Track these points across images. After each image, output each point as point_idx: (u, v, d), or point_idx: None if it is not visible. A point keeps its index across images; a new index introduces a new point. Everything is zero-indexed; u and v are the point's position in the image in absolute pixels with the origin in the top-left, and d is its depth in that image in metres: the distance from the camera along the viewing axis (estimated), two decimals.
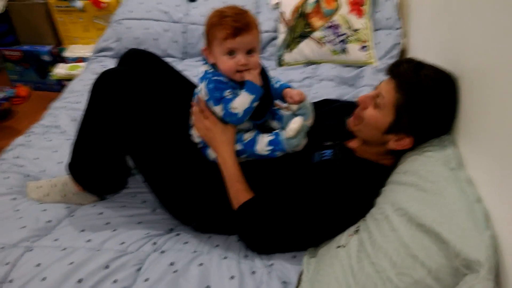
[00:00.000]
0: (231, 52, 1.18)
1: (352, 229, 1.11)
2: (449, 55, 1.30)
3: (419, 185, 1.01)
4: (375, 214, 1.06)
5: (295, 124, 1.20)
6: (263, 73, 1.28)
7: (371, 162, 1.22)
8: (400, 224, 0.96)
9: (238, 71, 1.20)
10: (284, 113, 1.34)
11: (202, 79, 1.25)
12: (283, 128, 1.33)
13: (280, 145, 1.24)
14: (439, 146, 1.13)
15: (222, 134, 1.25)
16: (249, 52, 1.19)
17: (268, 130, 1.34)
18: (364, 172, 1.18)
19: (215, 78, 1.22)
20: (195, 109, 1.30)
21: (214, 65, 1.24)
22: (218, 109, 1.23)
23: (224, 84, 1.22)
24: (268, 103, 1.28)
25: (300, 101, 1.27)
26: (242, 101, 1.19)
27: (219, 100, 1.22)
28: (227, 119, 1.23)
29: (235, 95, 1.21)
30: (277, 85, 1.33)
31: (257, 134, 1.28)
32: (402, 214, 0.97)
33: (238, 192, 1.23)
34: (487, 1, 1.03)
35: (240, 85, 1.22)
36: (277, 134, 1.26)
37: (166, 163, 1.28)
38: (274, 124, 1.35)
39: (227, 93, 1.21)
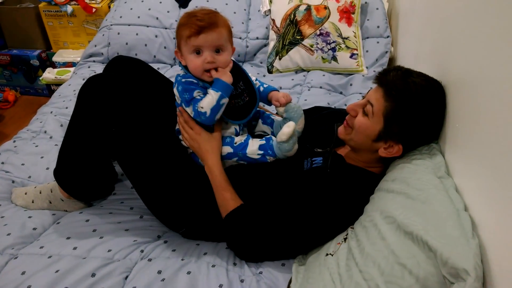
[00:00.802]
0: (198, 51, 1.19)
1: (340, 237, 1.11)
2: (437, 63, 1.32)
3: (407, 193, 1.01)
4: (364, 221, 1.06)
5: (288, 128, 1.20)
6: (239, 72, 1.29)
7: (361, 169, 1.22)
8: (388, 232, 0.96)
9: (206, 71, 1.21)
10: (276, 118, 1.34)
11: (174, 84, 1.26)
12: (273, 133, 1.33)
13: (271, 150, 1.24)
14: (427, 154, 1.14)
15: (207, 143, 1.25)
16: (217, 51, 1.20)
17: (261, 136, 1.34)
18: (353, 179, 1.19)
19: (184, 80, 1.23)
20: (179, 119, 1.30)
21: (186, 67, 1.24)
22: (189, 110, 1.23)
23: (194, 85, 1.22)
24: (252, 102, 1.28)
25: (286, 103, 1.27)
26: (208, 100, 1.18)
27: (189, 101, 1.22)
28: (198, 120, 1.22)
29: (205, 95, 1.21)
30: (262, 88, 1.34)
31: (248, 138, 1.28)
32: (391, 222, 0.97)
33: (225, 200, 1.22)
34: (476, 10, 1.04)
35: (211, 84, 1.21)
36: (268, 139, 1.26)
37: (155, 168, 1.27)
38: (266, 129, 1.36)
39: (196, 94, 1.21)
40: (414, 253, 0.89)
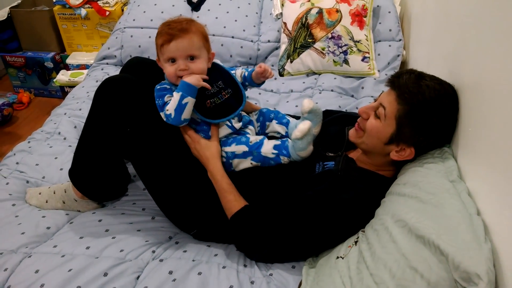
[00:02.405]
0: (172, 59, 1.23)
1: (351, 240, 1.11)
2: (450, 67, 1.31)
3: (419, 197, 1.01)
4: (375, 225, 1.06)
5: (304, 125, 1.20)
6: (221, 72, 1.31)
7: (372, 173, 1.22)
8: (400, 235, 0.95)
9: (180, 77, 1.23)
10: (292, 120, 1.35)
11: None
12: (287, 134, 1.34)
13: (285, 150, 1.24)
14: (439, 157, 1.14)
15: (206, 150, 1.27)
16: (191, 58, 1.23)
17: (275, 138, 1.36)
18: (365, 183, 1.18)
19: (159, 87, 1.26)
20: (181, 129, 1.32)
21: None
22: (162, 116, 1.24)
23: (167, 90, 1.25)
24: (237, 100, 1.30)
25: (310, 108, 1.28)
26: (172, 101, 1.21)
27: (162, 106, 1.24)
28: (168, 122, 1.23)
29: None
30: (247, 73, 1.37)
31: (264, 138, 1.29)
32: (402, 226, 0.97)
33: (229, 203, 1.23)
34: (488, 13, 1.04)
35: None
36: (284, 141, 1.27)
37: (168, 169, 1.28)
38: (280, 129, 1.36)
39: (167, 98, 1.24)
40: (425, 257, 0.88)
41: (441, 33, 1.52)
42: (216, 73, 1.30)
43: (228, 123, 1.29)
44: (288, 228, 1.16)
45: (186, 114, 1.21)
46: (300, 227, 1.15)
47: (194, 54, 1.23)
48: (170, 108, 1.20)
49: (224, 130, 1.30)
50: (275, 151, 1.25)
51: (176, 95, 1.20)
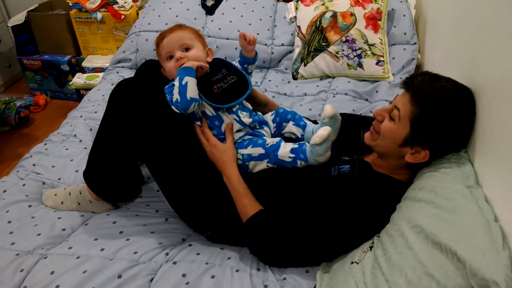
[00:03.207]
0: (170, 56, 1.31)
1: (366, 245, 1.10)
2: (466, 70, 1.30)
3: (435, 202, 0.99)
4: (390, 230, 1.05)
5: (324, 131, 1.19)
6: (223, 63, 1.37)
7: (388, 177, 1.21)
8: (416, 241, 0.94)
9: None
10: (309, 123, 1.34)
11: None
12: (303, 137, 1.34)
13: (303, 154, 1.24)
14: (455, 162, 1.12)
15: (223, 154, 1.28)
16: (186, 49, 1.31)
17: (290, 139, 1.36)
18: (380, 187, 1.17)
19: (166, 86, 1.30)
20: (198, 132, 1.33)
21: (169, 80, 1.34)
22: (174, 109, 1.27)
23: (173, 86, 1.27)
24: (242, 84, 1.33)
25: (333, 113, 1.28)
26: (174, 88, 1.24)
27: (171, 101, 1.27)
28: (177, 111, 1.26)
29: None
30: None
31: (281, 140, 1.29)
32: (418, 231, 0.95)
33: (245, 207, 1.23)
34: (505, 17, 1.02)
35: None
36: (301, 144, 1.27)
37: (182, 170, 1.29)
38: (296, 131, 1.35)
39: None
40: (442, 264, 0.87)
41: (457, 36, 1.50)
42: (219, 64, 1.36)
43: (236, 117, 1.30)
44: (303, 233, 1.15)
45: (190, 92, 1.23)
46: (315, 232, 1.14)
47: (187, 43, 1.31)
48: (175, 94, 1.24)
49: (234, 126, 1.31)
50: (292, 155, 1.24)
51: (176, 81, 1.24)
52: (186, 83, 1.22)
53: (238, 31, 2.30)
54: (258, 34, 2.31)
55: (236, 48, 2.27)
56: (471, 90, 1.16)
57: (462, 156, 1.14)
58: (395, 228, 1.03)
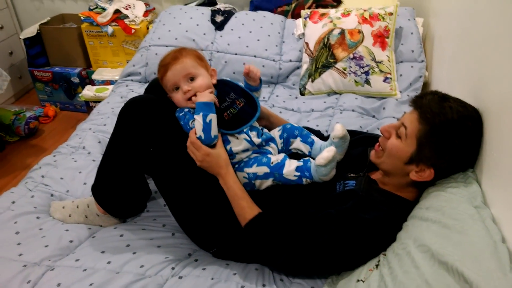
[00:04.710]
0: (176, 88, 1.30)
1: (372, 263, 1.10)
2: (473, 89, 1.30)
3: (442, 222, 0.99)
4: (397, 249, 1.05)
5: (329, 153, 1.19)
6: (230, 86, 1.35)
7: (394, 195, 1.21)
8: (422, 260, 0.94)
9: (189, 99, 1.28)
10: (317, 140, 1.35)
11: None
12: (311, 154, 1.33)
13: (308, 171, 1.24)
14: (463, 182, 1.12)
15: (218, 159, 1.27)
16: (192, 79, 1.29)
17: (297, 155, 1.35)
18: (387, 205, 1.17)
19: (180, 114, 1.31)
20: (188, 142, 1.31)
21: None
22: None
23: (188, 115, 1.29)
24: (251, 107, 1.33)
25: (344, 134, 1.28)
26: (196, 125, 1.24)
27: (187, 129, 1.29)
28: (204, 144, 1.26)
29: None
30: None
31: (285, 158, 1.28)
32: (425, 251, 0.95)
33: (243, 209, 1.24)
34: None
35: None
36: (306, 161, 1.26)
37: (189, 188, 1.30)
38: (303, 148, 1.36)
39: (191, 124, 1.28)
40: (448, 284, 0.87)
41: (465, 55, 1.51)
42: (225, 87, 1.35)
43: (246, 137, 1.30)
44: (304, 238, 1.15)
45: (214, 130, 1.24)
46: (318, 242, 1.13)
47: (191, 73, 1.29)
48: (198, 131, 1.24)
49: (243, 144, 1.30)
50: (298, 173, 1.24)
51: (198, 117, 1.23)
52: (210, 121, 1.23)
53: (247, 46, 2.33)
54: (266, 49, 2.34)
55: (244, 64, 2.29)
56: (479, 111, 1.16)
57: (469, 176, 1.14)
58: (402, 247, 1.03)
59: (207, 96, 1.25)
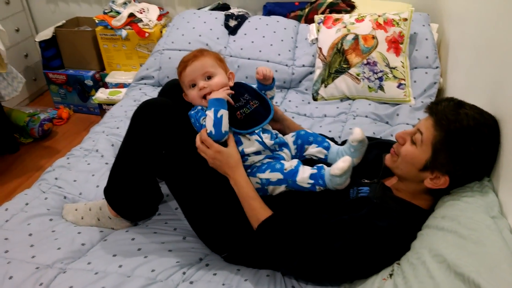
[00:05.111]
0: (193, 84, 1.32)
1: (386, 272, 1.08)
2: (490, 96, 1.28)
3: (458, 232, 0.97)
4: (411, 258, 1.03)
5: (344, 163, 1.18)
6: (245, 88, 1.36)
7: (409, 203, 1.19)
8: (438, 271, 0.93)
9: (204, 97, 1.30)
10: (333, 145, 1.34)
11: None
12: (326, 158, 1.33)
13: (321, 179, 1.23)
14: (479, 191, 1.10)
15: (229, 158, 1.26)
16: (209, 78, 1.31)
17: (311, 161, 1.34)
18: (401, 213, 1.16)
19: (192, 112, 1.33)
20: (197, 141, 1.30)
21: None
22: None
23: (200, 112, 1.29)
24: (264, 109, 1.34)
25: (363, 137, 1.28)
26: (208, 120, 1.24)
27: (200, 128, 1.29)
28: (213, 140, 1.26)
29: None
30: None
31: (299, 164, 1.27)
32: (440, 261, 0.94)
33: (255, 210, 1.23)
34: None
35: None
36: (320, 168, 1.25)
37: (202, 191, 1.30)
38: (319, 153, 1.35)
39: (202, 120, 1.28)
40: None
41: (481, 61, 1.49)
42: (241, 88, 1.36)
43: (258, 138, 1.30)
44: (317, 242, 1.14)
45: (225, 126, 1.25)
46: (332, 247, 1.12)
47: (209, 71, 1.31)
48: (209, 126, 1.24)
49: (255, 146, 1.30)
50: (311, 181, 1.23)
51: (210, 112, 1.23)
52: (221, 116, 1.23)
53: (260, 51, 2.33)
54: (279, 54, 2.34)
55: (257, 67, 2.28)
56: (496, 118, 1.15)
57: (486, 185, 1.12)
58: (416, 257, 1.01)
59: (219, 93, 1.27)
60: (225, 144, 1.27)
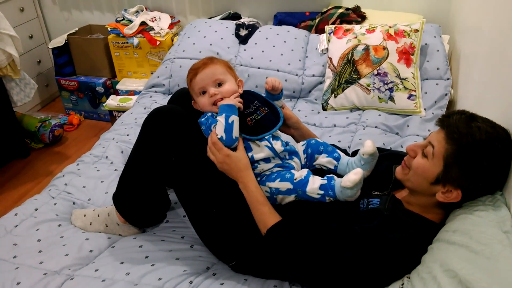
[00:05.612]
0: (203, 91, 1.33)
1: (396, 285, 1.06)
2: (502, 109, 1.27)
3: (470, 247, 0.96)
4: (422, 272, 1.01)
5: (356, 175, 1.17)
6: (254, 95, 1.38)
7: (419, 216, 1.17)
8: (449, 286, 0.91)
9: (214, 104, 1.31)
10: (344, 156, 1.33)
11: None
12: (336, 168, 1.32)
13: (331, 190, 1.22)
14: (491, 205, 1.09)
15: (238, 162, 1.26)
16: (219, 84, 1.33)
17: (321, 171, 1.33)
18: (412, 226, 1.14)
19: (202, 119, 1.33)
20: (209, 142, 1.31)
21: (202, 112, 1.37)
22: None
23: (211, 119, 1.30)
24: (275, 116, 1.35)
25: (373, 152, 1.27)
26: (218, 125, 1.25)
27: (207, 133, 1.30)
28: (224, 145, 1.26)
29: None
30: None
31: (309, 174, 1.26)
32: (452, 276, 0.92)
33: (264, 215, 1.22)
34: None
35: None
36: (330, 179, 1.24)
37: (211, 199, 1.29)
38: (329, 163, 1.34)
39: (213, 127, 1.29)
40: None
41: (494, 73, 1.48)
42: (250, 96, 1.37)
43: (268, 144, 1.30)
44: (327, 250, 1.12)
45: (236, 132, 1.25)
46: (341, 257, 1.11)
47: (220, 79, 1.32)
48: (220, 131, 1.24)
49: (264, 152, 1.30)
50: (321, 192, 1.22)
51: (221, 118, 1.24)
52: (232, 122, 1.24)
53: (270, 60, 2.34)
54: (289, 64, 2.34)
55: (267, 77, 2.29)
56: (509, 131, 1.13)
57: (498, 199, 1.11)
58: (427, 271, 1.00)
59: (231, 100, 1.28)
60: (235, 150, 1.28)
